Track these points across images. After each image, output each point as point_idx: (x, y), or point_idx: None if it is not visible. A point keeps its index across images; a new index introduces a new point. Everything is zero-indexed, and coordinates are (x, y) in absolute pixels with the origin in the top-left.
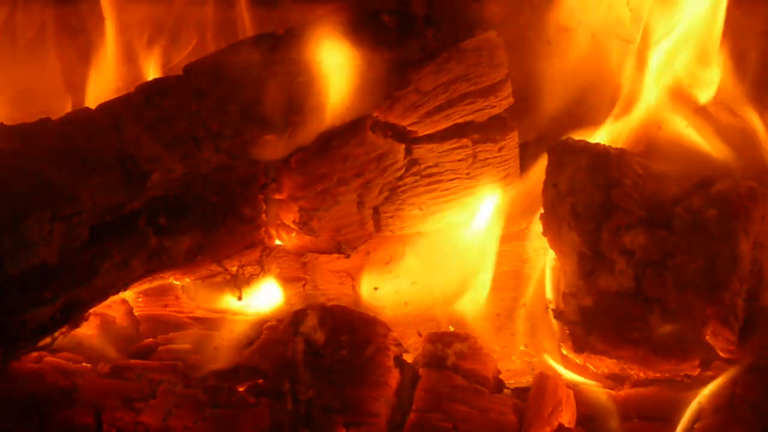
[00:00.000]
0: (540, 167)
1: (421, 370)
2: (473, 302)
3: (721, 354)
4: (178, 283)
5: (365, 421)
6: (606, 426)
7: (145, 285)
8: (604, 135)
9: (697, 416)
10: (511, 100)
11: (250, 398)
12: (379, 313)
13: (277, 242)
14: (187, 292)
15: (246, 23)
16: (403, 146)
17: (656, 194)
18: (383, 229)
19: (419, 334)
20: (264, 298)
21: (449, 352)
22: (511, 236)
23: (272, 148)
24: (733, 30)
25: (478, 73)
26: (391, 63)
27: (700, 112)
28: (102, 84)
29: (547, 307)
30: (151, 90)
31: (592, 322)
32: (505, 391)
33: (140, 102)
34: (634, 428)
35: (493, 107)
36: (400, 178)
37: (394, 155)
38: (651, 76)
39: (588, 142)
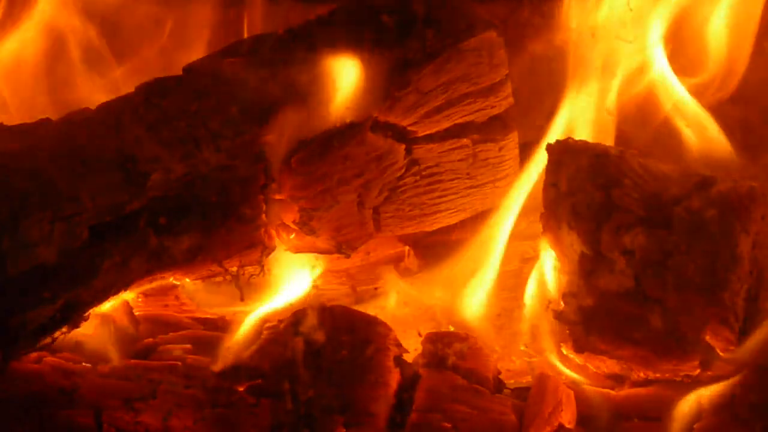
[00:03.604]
0: (540, 167)
1: (421, 370)
2: (474, 301)
3: (721, 354)
4: (178, 283)
5: (365, 421)
6: (606, 426)
7: (145, 285)
8: None
9: (697, 416)
10: (511, 100)
11: (250, 398)
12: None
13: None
14: (186, 292)
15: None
16: (403, 146)
17: (656, 194)
18: (383, 229)
19: (419, 334)
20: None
21: (449, 352)
22: (512, 236)
23: (272, 148)
24: None
25: (478, 73)
26: (391, 63)
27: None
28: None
29: (547, 307)
30: (151, 90)
31: (592, 322)
32: (505, 391)
33: (140, 102)
34: (634, 428)
35: (493, 107)
36: (400, 178)
37: (394, 155)
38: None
39: (588, 142)
